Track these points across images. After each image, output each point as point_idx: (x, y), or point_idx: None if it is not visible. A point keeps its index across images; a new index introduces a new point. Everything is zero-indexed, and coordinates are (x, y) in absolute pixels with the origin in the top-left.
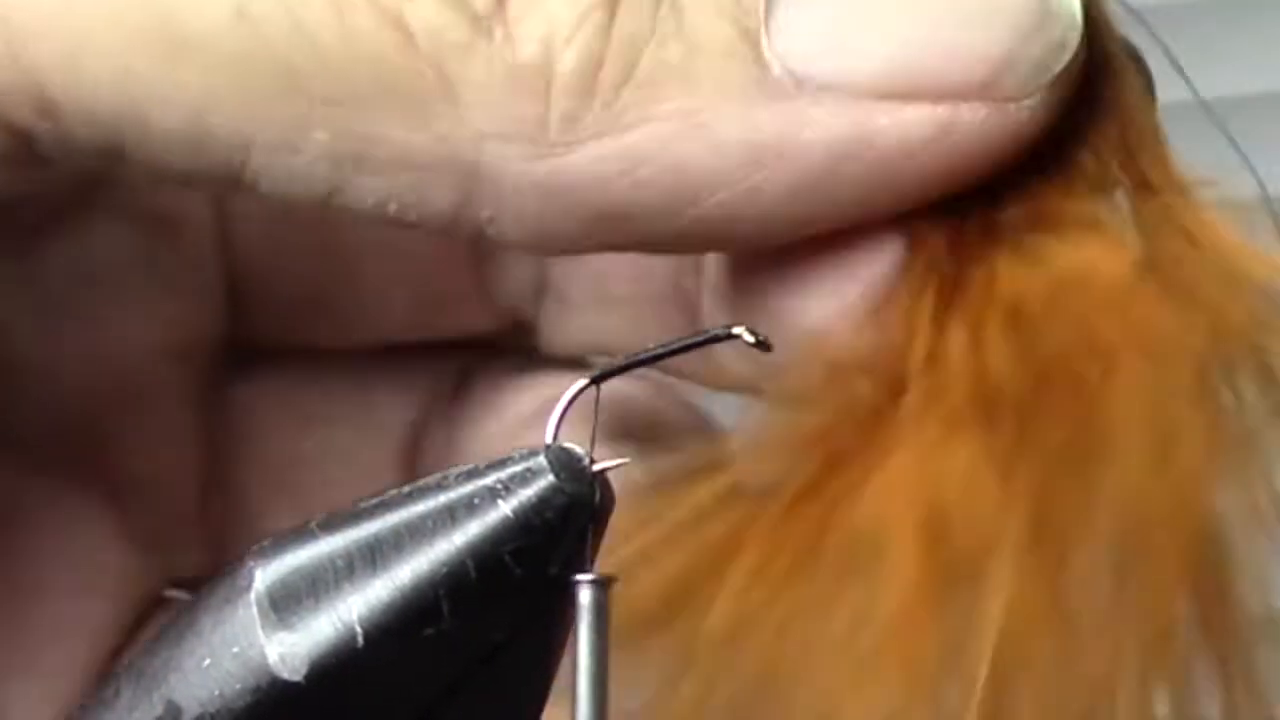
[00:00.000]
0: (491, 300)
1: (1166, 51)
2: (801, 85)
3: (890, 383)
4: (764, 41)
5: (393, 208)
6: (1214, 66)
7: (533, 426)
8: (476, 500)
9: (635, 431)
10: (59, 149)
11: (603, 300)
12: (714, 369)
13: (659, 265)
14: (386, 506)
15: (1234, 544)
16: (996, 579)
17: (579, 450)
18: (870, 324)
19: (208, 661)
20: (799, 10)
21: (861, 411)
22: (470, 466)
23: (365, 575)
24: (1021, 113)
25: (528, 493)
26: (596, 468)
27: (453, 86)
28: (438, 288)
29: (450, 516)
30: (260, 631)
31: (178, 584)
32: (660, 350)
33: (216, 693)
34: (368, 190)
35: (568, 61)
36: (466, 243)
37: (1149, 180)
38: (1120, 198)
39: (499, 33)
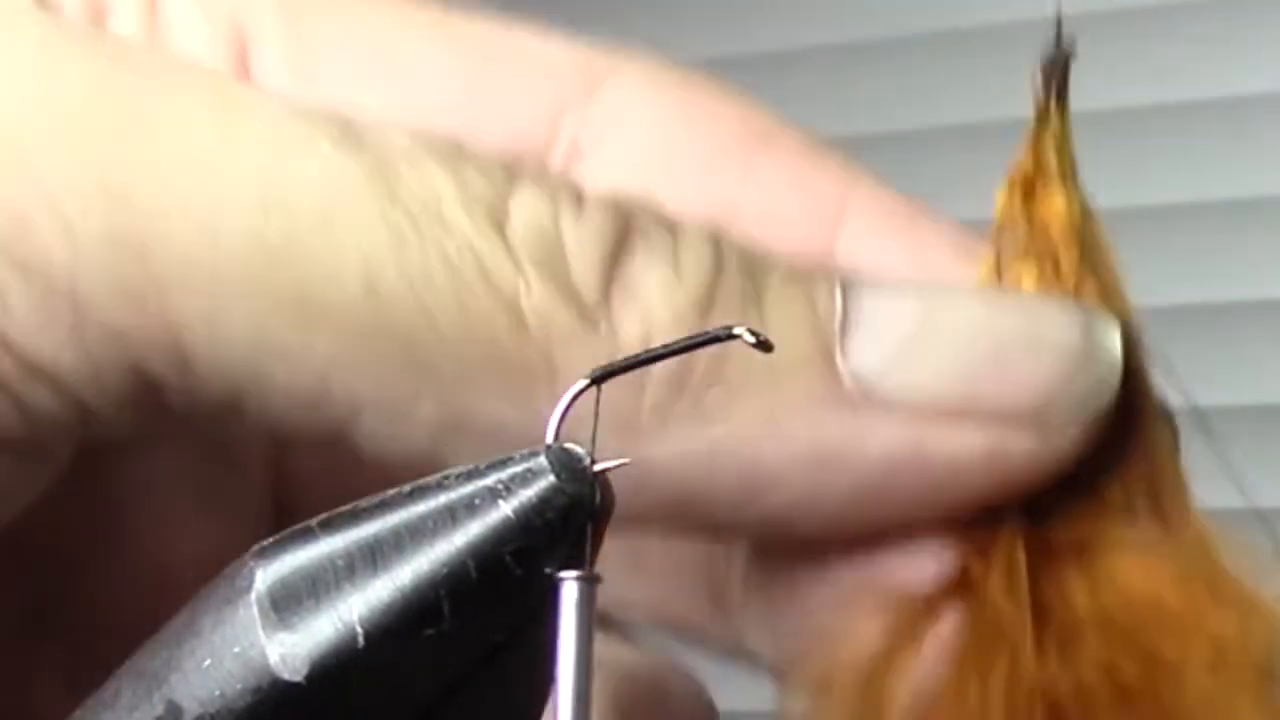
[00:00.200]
0: None
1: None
2: (868, 399)
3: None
4: (838, 356)
5: None
6: (1214, 67)
7: None
8: (477, 500)
9: (636, 709)
10: (183, 400)
11: (634, 568)
12: (734, 641)
13: (694, 545)
14: (387, 506)
15: None
16: None
17: (580, 450)
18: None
19: (208, 662)
20: (873, 330)
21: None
22: (470, 467)
23: (366, 575)
24: (1064, 442)
25: (528, 493)
26: (597, 468)
27: (557, 371)
28: None
29: (451, 517)
30: (261, 631)
31: None
32: (661, 350)
33: (217, 693)
34: (459, 456)
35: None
36: None
37: (1170, 521)
38: (1148, 526)
39: (604, 326)
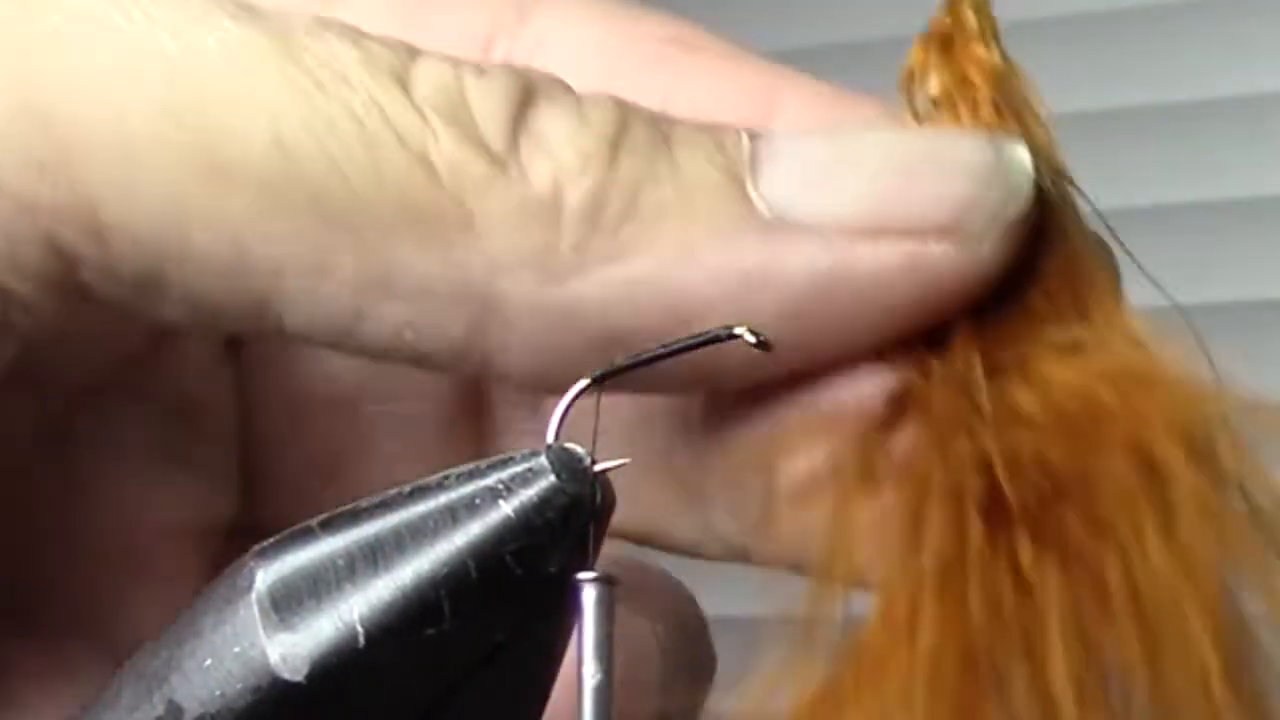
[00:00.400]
0: None
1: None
2: (785, 222)
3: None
4: (749, 186)
5: (409, 335)
6: (1214, 67)
7: None
8: (478, 500)
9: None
10: (101, 277)
11: None
12: (703, 532)
13: (651, 436)
14: (387, 506)
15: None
16: (1030, 684)
17: (580, 450)
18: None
19: (209, 662)
20: (780, 160)
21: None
22: (471, 466)
23: (367, 575)
24: (984, 250)
25: (529, 493)
26: (598, 468)
27: (471, 217)
28: (445, 461)
29: (451, 516)
30: (261, 632)
31: None
32: (661, 350)
33: (218, 693)
34: (387, 318)
35: (576, 197)
36: (471, 379)
37: (1099, 325)
38: (1078, 331)
39: (514, 170)
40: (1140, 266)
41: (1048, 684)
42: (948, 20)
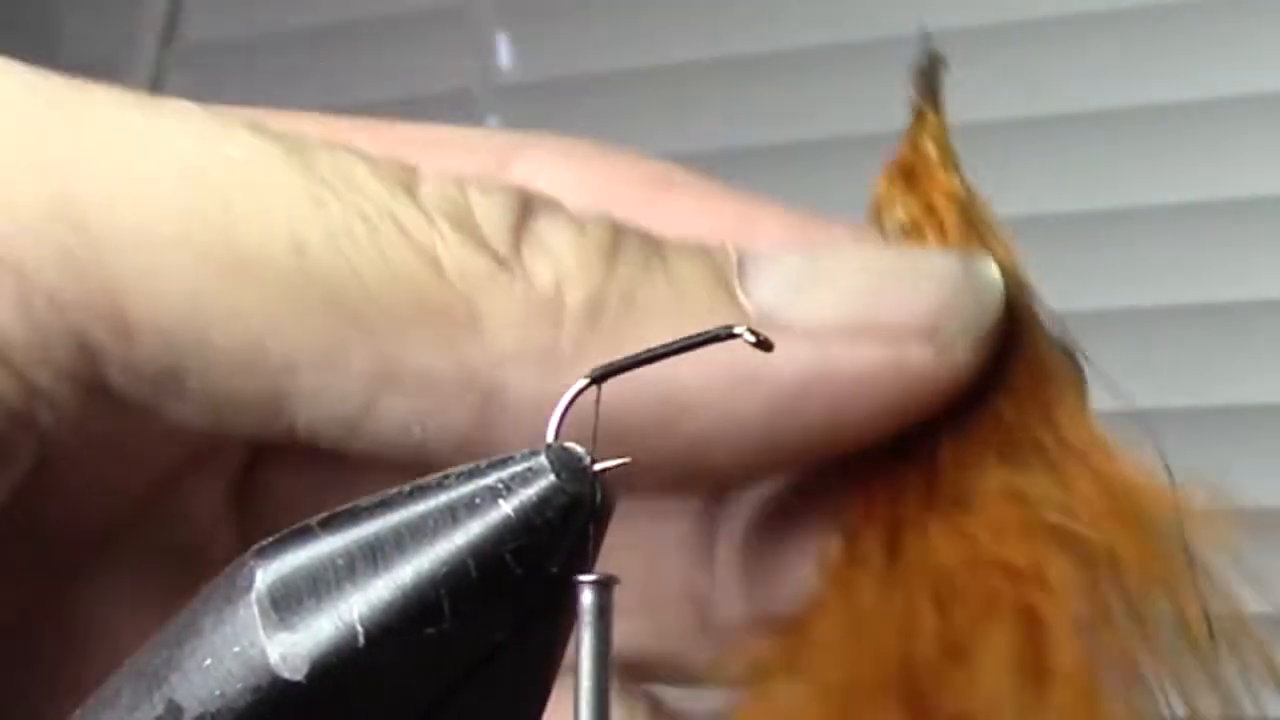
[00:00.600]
0: None
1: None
2: (772, 324)
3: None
4: (737, 290)
5: (416, 430)
6: (1215, 66)
7: None
8: (477, 500)
9: None
10: (124, 374)
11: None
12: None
13: (672, 566)
14: (387, 506)
15: None
16: None
17: (580, 450)
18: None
19: (209, 661)
20: (765, 268)
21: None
22: (471, 466)
23: (366, 574)
24: (957, 355)
25: (529, 492)
26: (598, 467)
27: (477, 314)
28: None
29: (451, 516)
30: (261, 631)
31: None
32: (661, 350)
33: (217, 692)
34: (396, 412)
35: (576, 297)
36: None
37: (1065, 436)
38: (1034, 471)
39: (517, 271)
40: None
41: None
42: (910, 152)
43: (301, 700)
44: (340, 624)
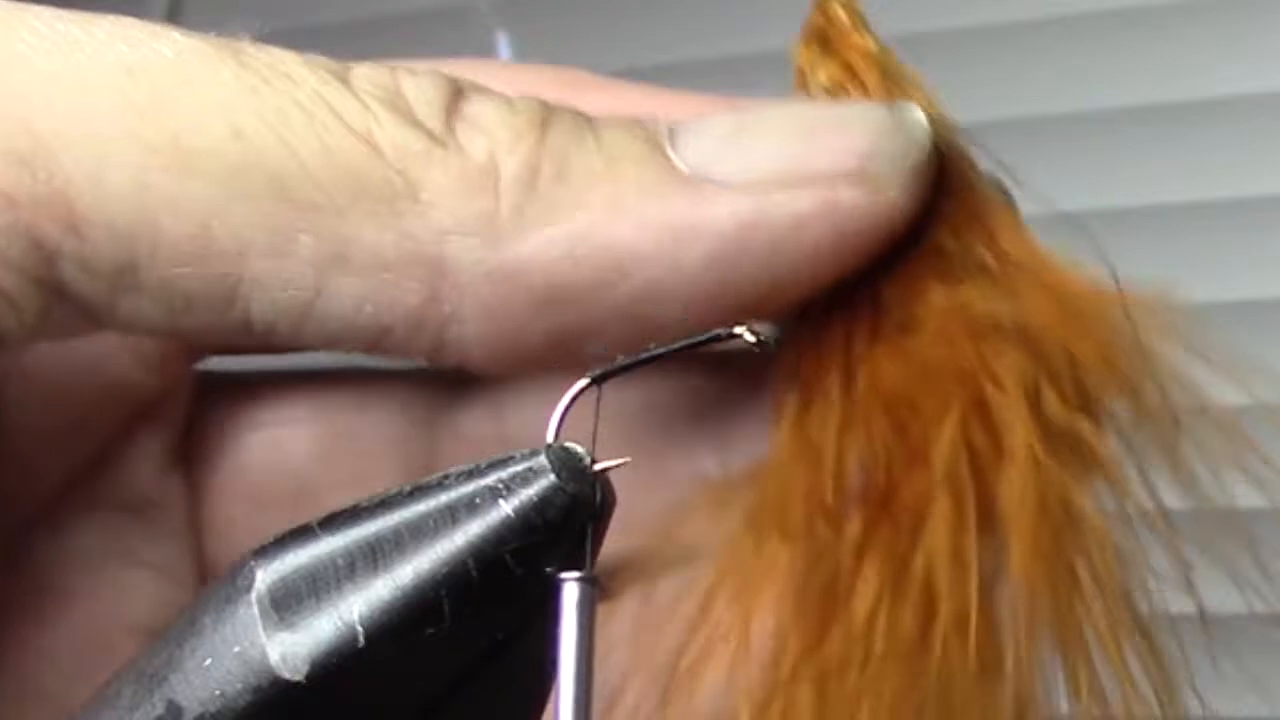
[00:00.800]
0: None
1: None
2: (706, 180)
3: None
4: (670, 152)
5: (369, 309)
6: (1214, 66)
7: None
8: (478, 500)
9: None
10: (78, 271)
11: None
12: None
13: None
14: (387, 506)
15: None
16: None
17: (580, 450)
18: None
19: (209, 661)
20: (697, 132)
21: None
22: (471, 466)
23: (366, 575)
24: (890, 195)
25: (529, 492)
26: (598, 467)
27: (416, 189)
28: None
29: (451, 516)
30: (261, 631)
31: None
32: (661, 350)
33: (217, 692)
34: (347, 293)
35: (511, 165)
36: (429, 353)
37: (1007, 252)
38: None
39: (452, 145)
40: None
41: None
42: (821, 18)
43: (301, 700)
44: (340, 624)
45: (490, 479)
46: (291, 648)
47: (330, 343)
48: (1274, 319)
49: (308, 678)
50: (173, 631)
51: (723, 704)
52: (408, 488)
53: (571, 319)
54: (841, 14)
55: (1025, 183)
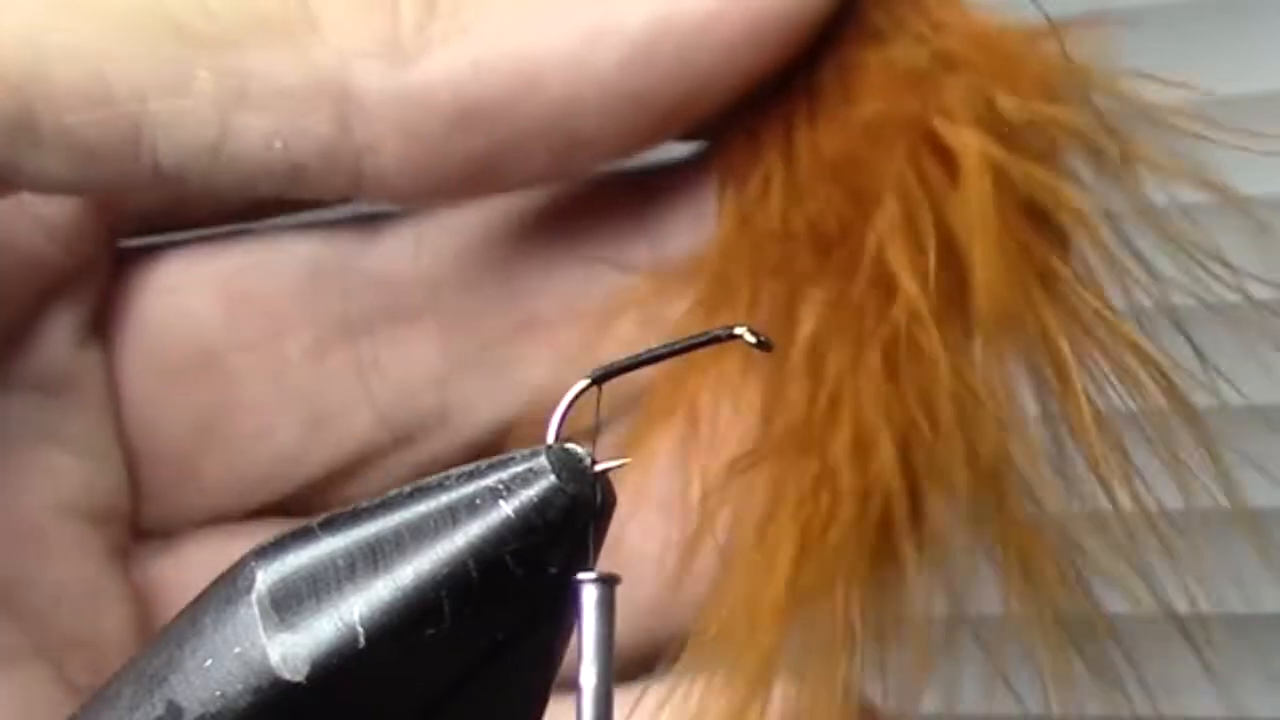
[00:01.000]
0: (378, 408)
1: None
2: None
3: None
4: None
5: (279, 144)
6: (1214, 66)
7: None
8: (478, 500)
9: None
10: None
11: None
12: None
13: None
14: (388, 506)
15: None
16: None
17: (580, 450)
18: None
19: (209, 662)
20: None
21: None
22: (472, 467)
23: (367, 575)
24: None
25: (529, 493)
26: (598, 468)
27: (315, 19)
28: (322, 404)
29: (452, 517)
30: (262, 632)
31: None
32: (662, 350)
33: (218, 693)
34: (254, 128)
35: None
36: (348, 187)
37: (942, 19)
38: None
39: None
40: None
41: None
42: None
43: (302, 701)
44: (341, 625)
45: (490, 480)
46: (292, 648)
47: (245, 185)
48: (1275, 319)
49: (308, 678)
50: (173, 632)
51: (675, 483)
52: (408, 489)
53: (487, 138)
54: None
55: None
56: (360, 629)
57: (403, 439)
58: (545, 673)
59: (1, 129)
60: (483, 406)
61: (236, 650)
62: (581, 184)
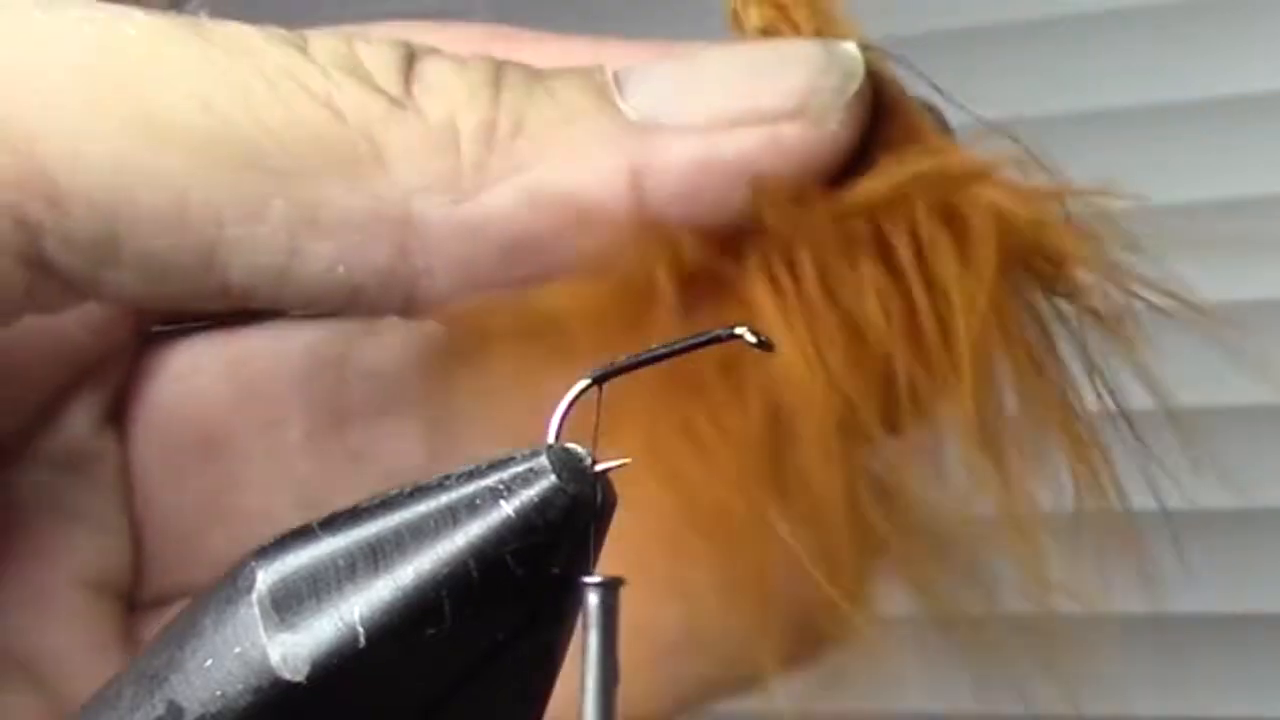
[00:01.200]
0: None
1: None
2: (657, 125)
3: None
4: (619, 100)
5: (341, 270)
6: (1214, 66)
7: None
8: (478, 500)
9: None
10: (61, 245)
11: None
12: None
13: None
14: (388, 506)
15: None
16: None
17: (581, 450)
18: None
19: (209, 662)
20: (643, 79)
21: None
22: (472, 467)
23: (367, 575)
24: (830, 127)
25: (530, 493)
26: (599, 468)
27: (380, 151)
28: (317, 488)
29: (452, 517)
30: (262, 632)
31: None
32: (662, 351)
33: (218, 693)
34: (320, 254)
35: (470, 123)
36: (401, 308)
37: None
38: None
39: (410, 107)
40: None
41: None
42: None
43: (302, 700)
44: (341, 624)
45: (491, 479)
46: (292, 648)
47: (307, 304)
48: (1275, 318)
49: (308, 678)
50: (173, 632)
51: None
52: (408, 488)
53: (536, 267)
54: None
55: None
56: (360, 629)
57: None
58: (545, 673)
59: (87, 247)
60: None
61: (237, 650)
62: None
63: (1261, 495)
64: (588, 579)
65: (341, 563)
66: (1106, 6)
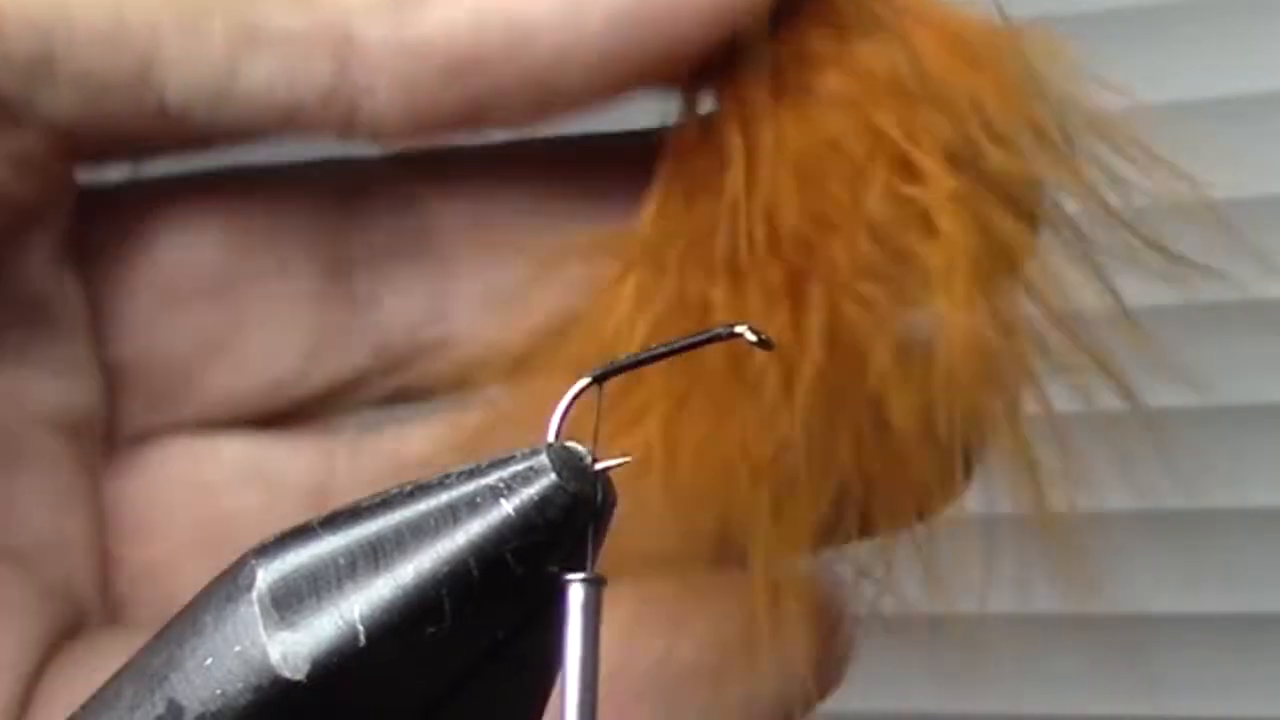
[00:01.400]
0: (371, 336)
1: None
2: None
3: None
4: None
5: (281, 87)
6: (1214, 66)
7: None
8: (479, 499)
9: None
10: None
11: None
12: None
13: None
14: (388, 505)
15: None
16: None
17: (581, 448)
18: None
19: (209, 660)
20: None
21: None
22: (472, 465)
23: (367, 574)
24: None
25: (530, 491)
26: (599, 466)
27: None
28: (323, 336)
29: (452, 515)
30: (262, 630)
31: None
32: (662, 350)
33: (218, 691)
34: (260, 70)
35: None
36: (341, 127)
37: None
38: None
39: None
40: None
41: None
42: None
43: (302, 699)
44: (341, 623)
45: (491, 478)
46: (292, 647)
47: (244, 124)
48: (1275, 319)
49: (309, 677)
50: (173, 630)
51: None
52: (408, 487)
53: (476, 88)
54: None
55: None
56: (361, 627)
57: (397, 365)
58: (546, 671)
59: (22, 67)
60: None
61: (237, 649)
62: (530, 145)
63: (1262, 495)
64: (570, 576)
65: (342, 561)
66: (1106, 6)
